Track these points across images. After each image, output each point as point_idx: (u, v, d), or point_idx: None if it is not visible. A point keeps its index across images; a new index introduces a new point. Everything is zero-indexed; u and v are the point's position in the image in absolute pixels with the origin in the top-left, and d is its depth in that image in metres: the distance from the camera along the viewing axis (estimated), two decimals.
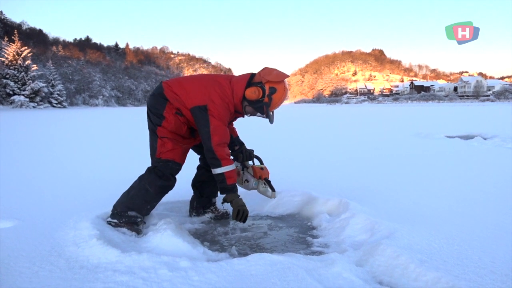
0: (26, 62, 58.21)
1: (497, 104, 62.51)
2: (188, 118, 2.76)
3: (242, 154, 3.05)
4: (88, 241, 2.33)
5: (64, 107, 64.87)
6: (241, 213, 2.68)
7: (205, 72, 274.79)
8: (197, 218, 3.22)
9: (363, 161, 5.89)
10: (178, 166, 2.80)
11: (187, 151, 2.92)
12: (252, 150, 3.11)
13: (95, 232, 2.43)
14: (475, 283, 1.85)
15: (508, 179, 4.39)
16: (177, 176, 2.84)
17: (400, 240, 2.34)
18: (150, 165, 2.85)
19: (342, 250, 2.40)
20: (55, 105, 62.85)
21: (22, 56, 57.91)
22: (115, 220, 2.70)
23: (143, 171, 2.85)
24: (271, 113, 2.81)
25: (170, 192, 2.89)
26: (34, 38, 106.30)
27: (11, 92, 54.90)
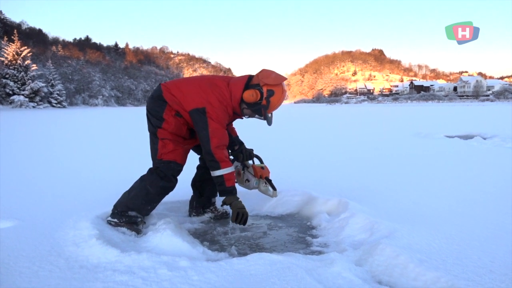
0: (26, 62, 58.20)
1: (497, 104, 62.55)
2: (187, 119, 2.76)
3: (242, 153, 3.05)
4: (87, 241, 2.33)
5: (64, 107, 64.84)
6: (240, 216, 2.68)
7: (204, 72, 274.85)
8: (197, 218, 3.22)
9: (363, 161, 5.89)
10: (179, 167, 2.81)
11: (188, 151, 2.93)
12: (252, 150, 3.11)
13: (95, 232, 2.43)
14: (474, 283, 1.85)
15: (508, 179, 4.39)
16: (177, 177, 2.85)
17: (400, 239, 2.34)
18: (150, 165, 2.85)
19: (341, 250, 2.40)
20: (54, 105, 62.82)
21: (21, 56, 57.88)
22: (115, 220, 2.71)
23: (142, 171, 2.86)
24: (269, 115, 2.81)
25: (170, 192, 2.89)
26: (34, 38, 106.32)
27: (10, 92, 54.88)
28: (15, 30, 63.87)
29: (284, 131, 12.10)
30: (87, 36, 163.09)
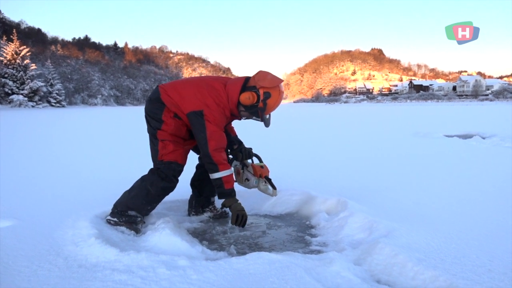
0: (25, 62, 58.11)
1: (496, 103, 62.60)
2: (185, 121, 2.76)
3: (241, 153, 3.06)
4: (86, 240, 2.33)
5: (63, 106, 64.76)
6: (240, 218, 2.69)
7: (204, 71, 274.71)
8: (196, 217, 3.23)
9: (362, 161, 5.90)
10: (180, 168, 2.81)
11: (188, 152, 2.93)
12: (251, 149, 3.11)
13: (94, 231, 2.43)
14: (472, 282, 1.85)
15: (507, 179, 4.40)
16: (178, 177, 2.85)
17: (398, 239, 2.35)
18: (150, 165, 2.85)
19: (340, 249, 2.40)
20: (53, 104, 62.75)
21: (20, 55, 57.79)
22: (114, 219, 2.71)
23: (142, 171, 2.86)
24: (267, 116, 2.81)
25: (170, 193, 2.89)
26: (33, 37, 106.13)
27: (9, 92, 54.79)
28: (14, 30, 63.80)
29: (283, 130, 12.10)
30: (86, 35, 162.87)
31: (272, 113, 2.86)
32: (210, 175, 2.72)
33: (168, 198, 2.97)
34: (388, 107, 48.05)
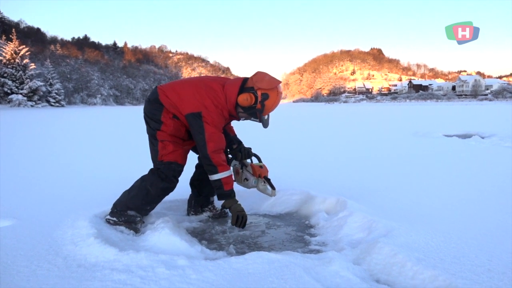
0: (24, 61, 58.00)
1: (495, 103, 62.66)
2: (184, 122, 2.76)
3: (241, 152, 3.06)
4: (85, 239, 2.33)
5: (62, 106, 64.68)
6: (240, 219, 2.70)
7: (203, 71, 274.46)
8: (195, 217, 3.23)
9: (361, 160, 5.90)
10: (180, 168, 2.81)
11: (188, 152, 2.93)
12: (250, 148, 3.11)
13: (93, 230, 2.43)
14: (472, 281, 1.85)
15: (506, 178, 4.40)
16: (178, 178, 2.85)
17: (398, 238, 2.35)
18: (150, 165, 2.85)
19: (339, 249, 2.40)
20: (53, 104, 62.65)
21: (20, 55, 57.67)
22: (114, 219, 2.71)
23: (141, 170, 2.86)
24: (266, 117, 2.80)
25: (170, 193, 2.89)
26: (32, 37, 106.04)
27: (9, 91, 54.69)
28: (14, 29, 63.72)
29: (283, 130, 12.10)
30: (86, 35, 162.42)
31: (271, 113, 2.86)
32: (209, 176, 2.73)
33: (168, 197, 2.97)
34: (388, 107, 48.08)
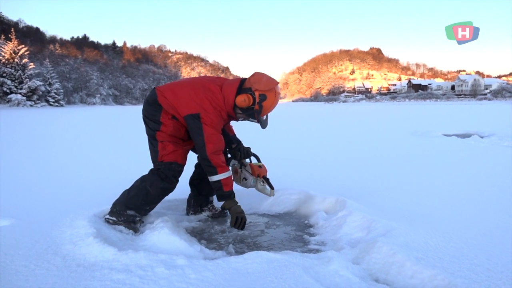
0: (23, 61, 57.97)
1: (494, 102, 62.66)
2: (183, 123, 2.76)
3: (240, 152, 3.06)
4: (84, 239, 2.33)
5: (62, 105, 64.61)
6: (239, 220, 2.70)
7: (203, 70, 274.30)
8: (194, 216, 3.23)
9: (360, 160, 5.90)
10: (180, 168, 2.81)
11: (188, 152, 2.93)
12: (250, 148, 3.11)
13: (92, 230, 2.42)
14: (471, 281, 1.85)
15: (505, 178, 4.41)
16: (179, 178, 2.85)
17: (397, 238, 2.35)
18: (149, 165, 2.85)
19: (338, 248, 2.40)
20: (52, 103, 62.60)
21: (19, 54, 57.64)
22: (113, 218, 2.71)
23: (140, 170, 2.86)
24: (264, 117, 2.80)
25: (170, 193, 2.89)
26: (31, 36, 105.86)
27: (8, 91, 54.68)
28: (13, 29, 63.68)
29: (282, 130, 12.10)
30: (85, 34, 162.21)
31: (270, 113, 2.85)
32: (209, 177, 2.73)
33: (167, 197, 2.96)
34: (387, 107, 48.08)
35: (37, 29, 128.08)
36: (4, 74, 55.27)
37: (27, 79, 56.83)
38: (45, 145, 8.27)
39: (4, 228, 2.64)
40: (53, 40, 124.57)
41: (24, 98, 55.05)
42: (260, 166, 3.05)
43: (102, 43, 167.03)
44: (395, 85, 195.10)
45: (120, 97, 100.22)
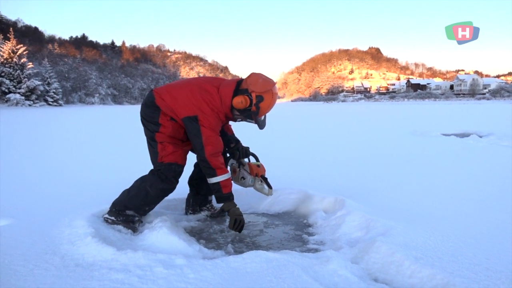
0: (22, 60, 57.80)
1: (493, 102, 62.70)
2: (182, 124, 2.75)
3: (239, 151, 3.06)
4: (83, 239, 2.32)
5: (60, 105, 64.44)
6: (238, 223, 2.70)
7: (202, 70, 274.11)
8: (193, 216, 3.22)
9: (359, 159, 5.90)
10: (180, 168, 2.80)
11: (187, 152, 2.93)
12: (248, 147, 3.11)
13: (91, 230, 2.42)
14: (469, 280, 1.85)
15: (503, 177, 4.41)
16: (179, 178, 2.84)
17: (396, 237, 2.35)
18: (147, 165, 2.84)
19: (337, 248, 2.41)
20: (51, 103, 62.44)
21: (17, 54, 57.47)
22: (112, 218, 2.70)
23: (139, 169, 2.85)
24: (262, 118, 2.80)
25: (169, 194, 2.88)
26: (30, 35, 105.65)
27: (6, 90, 54.52)
28: (11, 28, 63.28)
29: (281, 129, 12.10)
30: (84, 34, 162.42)
31: (269, 113, 2.85)
32: (208, 179, 2.73)
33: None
34: (386, 106, 48.10)
35: (36, 28, 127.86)
36: (3, 74, 55.11)
37: (26, 79, 56.68)
38: (44, 145, 8.26)
39: (2, 228, 2.63)
40: (51, 39, 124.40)
41: (23, 97, 54.90)
42: (258, 166, 3.05)
43: (101, 42, 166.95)
44: (394, 84, 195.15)
45: (119, 97, 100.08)
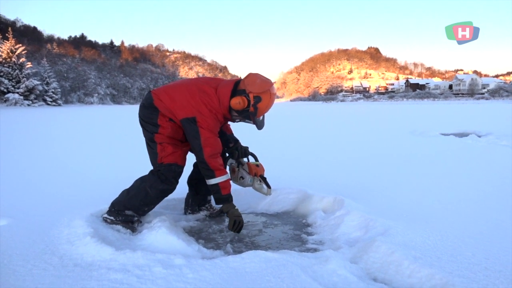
0: (21, 60, 57.70)
1: (492, 102, 62.80)
2: (180, 125, 2.75)
3: (238, 151, 3.06)
4: (82, 239, 2.32)
5: (59, 105, 64.35)
6: (237, 224, 2.70)
7: (201, 70, 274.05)
8: (192, 216, 3.22)
9: (358, 159, 5.90)
10: (180, 169, 2.80)
11: (187, 153, 2.92)
12: (247, 147, 3.11)
13: (89, 230, 2.42)
14: (468, 280, 1.85)
15: (503, 177, 4.41)
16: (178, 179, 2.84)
17: (395, 237, 2.35)
18: (146, 165, 2.84)
19: (336, 247, 2.41)
20: (49, 103, 62.33)
21: (16, 53, 57.38)
22: (111, 217, 2.70)
23: (138, 169, 2.85)
24: (260, 118, 2.80)
25: (169, 194, 2.88)
26: (29, 35, 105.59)
27: (5, 90, 54.41)
28: (10, 28, 63.18)
29: (280, 129, 12.10)
30: (82, 33, 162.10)
31: (268, 113, 2.85)
32: (206, 181, 2.72)
33: None
34: (385, 106, 48.13)
35: (35, 28, 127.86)
36: (2, 74, 54.99)
37: (25, 79, 56.59)
38: (43, 145, 8.24)
39: (1, 228, 2.63)
40: (50, 39, 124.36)
41: (22, 97, 54.79)
42: (257, 165, 3.05)
43: (100, 42, 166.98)
44: (393, 84, 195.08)
45: (118, 97, 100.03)
